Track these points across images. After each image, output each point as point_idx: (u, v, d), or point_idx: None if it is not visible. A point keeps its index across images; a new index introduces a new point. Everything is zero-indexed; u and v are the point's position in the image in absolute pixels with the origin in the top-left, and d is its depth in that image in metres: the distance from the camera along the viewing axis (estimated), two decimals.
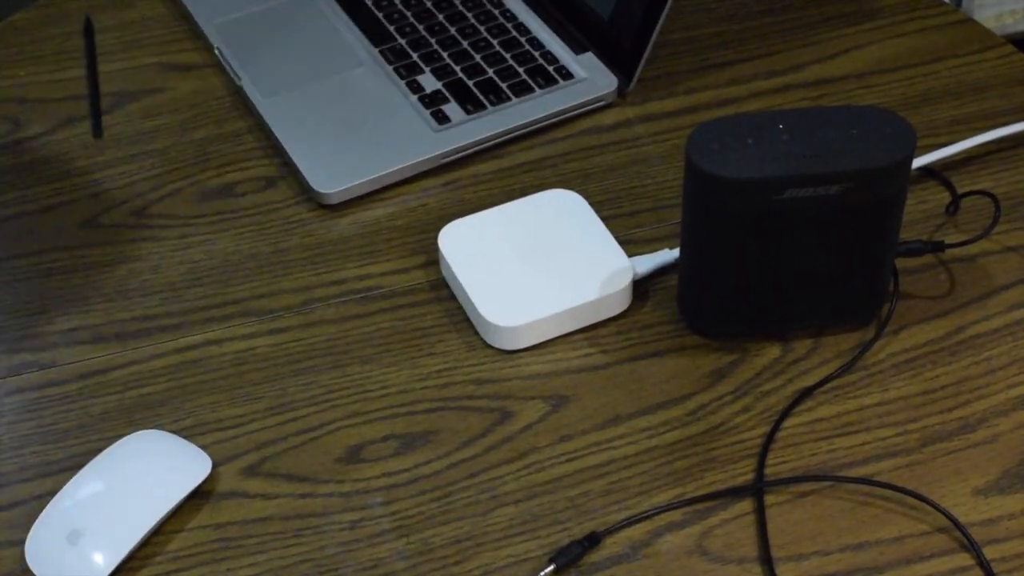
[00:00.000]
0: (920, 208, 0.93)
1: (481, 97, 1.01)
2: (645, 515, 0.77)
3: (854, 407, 0.82)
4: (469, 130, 0.99)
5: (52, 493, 0.77)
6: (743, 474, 0.79)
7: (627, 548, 0.75)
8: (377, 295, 0.89)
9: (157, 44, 1.09)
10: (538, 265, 0.87)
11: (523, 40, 1.05)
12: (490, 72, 1.03)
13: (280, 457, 0.80)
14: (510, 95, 1.01)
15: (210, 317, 0.88)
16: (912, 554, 0.75)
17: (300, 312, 0.88)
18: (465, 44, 1.05)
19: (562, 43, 1.05)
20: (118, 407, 0.83)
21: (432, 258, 0.91)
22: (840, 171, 0.77)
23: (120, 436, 0.80)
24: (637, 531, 0.76)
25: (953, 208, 0.92)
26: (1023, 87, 1.02)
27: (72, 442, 0.82)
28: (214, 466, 0.79)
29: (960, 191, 0.93)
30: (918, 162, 0.94)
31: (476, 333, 0.86)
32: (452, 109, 1.00)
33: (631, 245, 0.90)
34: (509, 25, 1.06)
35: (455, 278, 0.87)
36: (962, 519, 0.76)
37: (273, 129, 0.99)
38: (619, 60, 1.03)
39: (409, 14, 1.08)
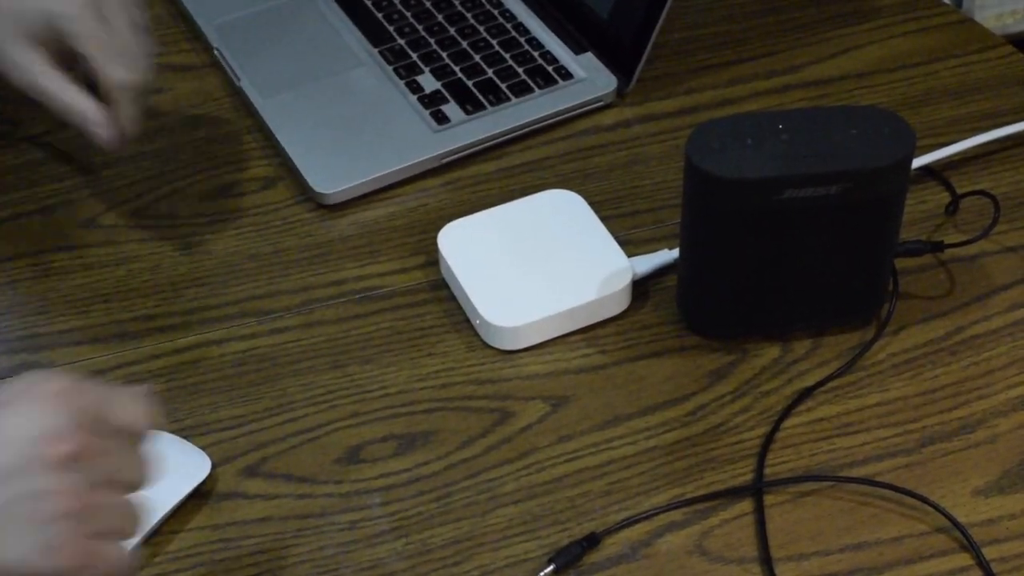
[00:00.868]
0: (920, 208, 0.93)
1: (481, 97, 1.01)
2: (645, 515, 0.77)
3: (854, 407, 0.82)
4: (469, 130, 0.99)
5: None
6: (743, 474, 0.79)
7: (626, 548, 0.75)
8: (377, 295, 0.89)
9: (157, 44, 1.09)
10: (538, 265, 0.87)
11: (522, 40, 1.05)
12: (489, 72, 1.03)
13: (279, 457, 0.80)
14: (509, 95, 1.01)
15: (210, 317, 0.88)
16: (912, 554, 0.75)
17: (300, 312, 0.88)
18: (464, 44, 1.05)
19: (561, 43, 1.05)
20: None
21: (432, 258, 0.91)
22: (840, 171, 0.77)
23: None
24: (636, 531, 0.76)
25: (952, 208, 0.92)
26: (1023, 87, 1.02)
27: None
28: (213, 466, 0.79)
29: (960, 191, 0.93)
30: (918, 162, 0.94)
31: (476, 333, 0.86)
32: (452, 109, 1.00)
33: (630, 245, 0.90)
34: (508, 25, 1.06)
35: (455, 278, 0.87)
36: (962, 519, 0.76)
37: (273, 129, 0.99)
38: (619, 60, 1.03)
39: (408, 14, 1.08)
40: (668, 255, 0.88)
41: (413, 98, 1.01)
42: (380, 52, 1.05)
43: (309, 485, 0.79)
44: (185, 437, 0.80)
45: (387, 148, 0.97)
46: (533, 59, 1.03)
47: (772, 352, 0.85)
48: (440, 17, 1.08)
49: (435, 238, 0.89)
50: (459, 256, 0.88)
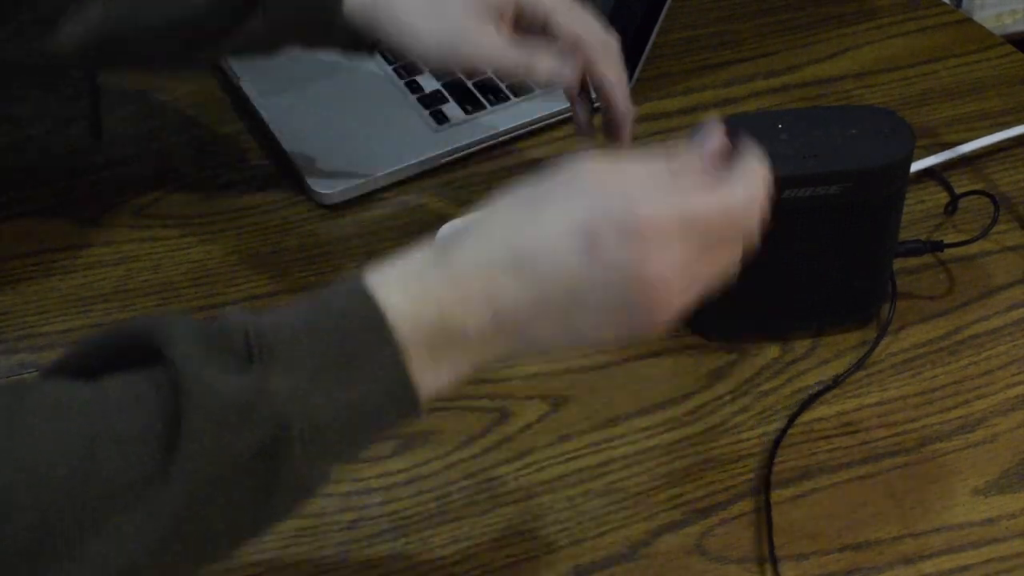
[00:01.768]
0: (919, 208, 0.93)
1: (480, 97, 1.01)
2: (644, 515, 0.77)
3: (854, 407, 0.82)
4: (468, 130, 0.99)
5: None
6: (742, 474, 0.79)
7: (626, 548, 0.75)
8: None
9: None
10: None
11: None
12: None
13: None
14: (509, 95, 1.01)
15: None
16: (912, 554, 0.75)
17: None
18: None
19: None
20: None
21: None
22: (839, 171, 0.77)
23: None
24: (636, 531, 0.76)
25: (951, 208, 0.92)
26: (1023, 87, 1.02)
27: None
28: None
29: (959, 191, 0.93)
30: (918, 164, 0.94)
31: None
32: (451, 109, 1.00)
33: None
34: None
35: None
36: (962, 519, 0.76)
37: (272, 129, 0.99)
38: None
39: None
40: None
41: (413, 98, 1.01)
42: (380, 52, 1.05)
43: None
44: None
45: (387, 148, 0.97)
46: None
47: (772, 352, 0.85)
48: None
49: (435, 238, 0.89)
50: None
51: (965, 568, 0.74)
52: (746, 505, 0.77)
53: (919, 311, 0.87)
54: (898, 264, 0.86)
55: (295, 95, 1.02)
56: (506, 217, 0.61)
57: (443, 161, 0.98)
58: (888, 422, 0.81)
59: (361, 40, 0.85)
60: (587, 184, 0.61)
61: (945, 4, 1.11)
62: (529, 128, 1.00)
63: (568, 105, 1.00)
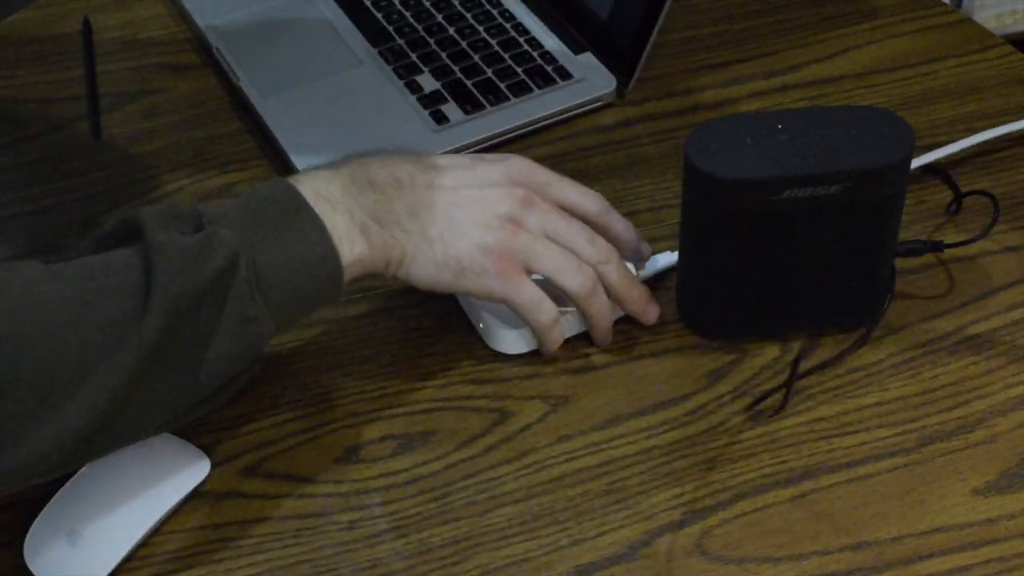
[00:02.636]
0: (920, 208, 0.93)
1: (480, 97, 1.01)
2: (644, 515, 0.77)
3: (853, 407, 0.82)
4: (468, 130, 0.99)
5: (51, 493, 0.77)
6: (742, 474, 0.79)
7: (626, 548, 0.75)
8: (376, 295, 0.89)
9: (156, 44, 1.09)
10: None
11: (522, 40, 1.05)
12: (489, 72, 1.03)
13: (279, 457, 0.80)
14: (509, 95, 1.01)
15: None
16: (912, 554, 0.75)
17: None
18: (464, 44, 1.05)
19: (561, 43, 1.05)
20: None
21: None
22: (839, 171, 0.77)
23: None
24: (636, 531, 0.76)
25: (955, 207, 0.92)
26: (1023, 87, 1.02)
27: None
28: (213, 466, 0.79)
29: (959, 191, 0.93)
30: (918, 161, 0.94)
31: (475, 334, 0.86)
32: (451, 109, 1.00)
33: None
34: (508, 25, 1.06)
35: None
36: (962, 519, 0.76)
37: (272, 129, 0.99)
38: (618, 60, 1.03)
39: (408, 14, 1.08)
40: (669, 257, 0.88)
41: (413, 98, 1.01)
42: (380, 52, 1.05)
43: (308, 485, 0.79)
44: (184, 437, 0.80)
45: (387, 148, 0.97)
46: (532, 59, 1.03)
47: (772, 352, 0.85)
48: (439, 17, 1.08)
49: None
50: None
51: (965, 568, 0.74)
52: (746, 505, 0.77)
53: (919, 311, 0.87)
54: (898, 264, 0.86)
55: (295, 95, 1.02)
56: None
57: None
58: (888, 422, 0.81)
59: None
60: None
61: (945, 4, 1.11)
62: (528, 128, 1.00)
63: (570, 104, 1.00)
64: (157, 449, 0.79)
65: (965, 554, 0.74)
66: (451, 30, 1.06)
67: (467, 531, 0.76)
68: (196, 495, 0.78)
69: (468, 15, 1.07)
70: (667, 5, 0.98)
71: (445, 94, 1.01)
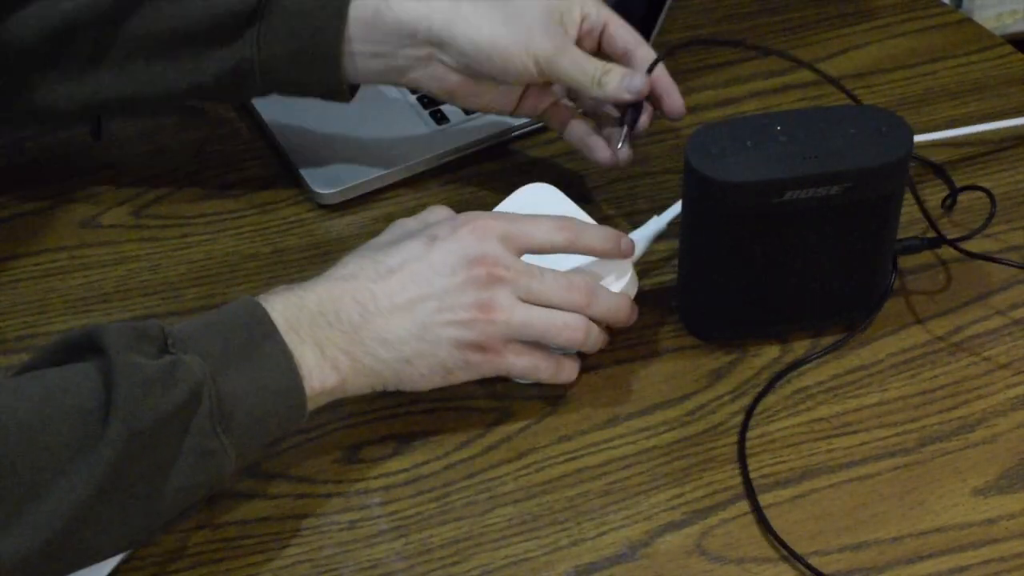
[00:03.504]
0: (917, 206, 0.93)
1: None
2: (644, 515, 0.77)
3: (853, 407, 0.82)
4: (468, 130, 0.99)
5: None
6: (742, 473, 0.79)
7: (625, 548, 0.75)
8: None
9: None
10: (536, 264, 0.86)
11: None
12: None
13: (278, 457, 0.80)
14: None
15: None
16: (911, 554, 0.75)
17: None
18: None
19: None
20: None
21: None
22: (839, 171, 0.77)
23: None
24: (635, 531, 0.76)
25: (950, 202, 0.92)
26: (1022, 87, 1.02)
27: None
28: None
29: (957, 186, 0.93)
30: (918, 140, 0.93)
31: None
32: (451, 109, 1.00)
33: None
34: None
35: None
36: (961, 519, 0.76)
37: (272, 129, 0.99)
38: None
39: None
40: (657, 222, 0.87)
41: (413, 98, 1.01)
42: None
43: (308, 485, 0.79)
44: None
45: (387, 148, 0.97)
46: None
47: (772, 352, 0.85)
48: None
49: None
50: None
51: (965, 568, 0.74)
52: (745, 505, 0.77)
53: (919, 311, 0.87)
54: (898, 264, 0.86)
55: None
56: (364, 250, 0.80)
57: (443, 161, 0.98)
58: (888, 422, 0.81)
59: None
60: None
61: (945, 4, 1.11)
62: (529, 128, 1.00)
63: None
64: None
65: (965, 554, 0.74)
66: None
67: (467, 531, 0.76)
68: None
69: None
70: (667, 5, 0.98)
71: None
